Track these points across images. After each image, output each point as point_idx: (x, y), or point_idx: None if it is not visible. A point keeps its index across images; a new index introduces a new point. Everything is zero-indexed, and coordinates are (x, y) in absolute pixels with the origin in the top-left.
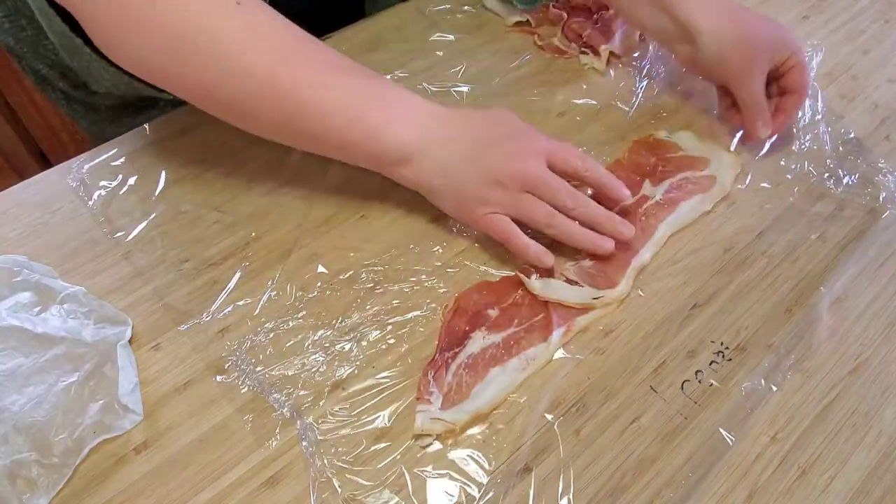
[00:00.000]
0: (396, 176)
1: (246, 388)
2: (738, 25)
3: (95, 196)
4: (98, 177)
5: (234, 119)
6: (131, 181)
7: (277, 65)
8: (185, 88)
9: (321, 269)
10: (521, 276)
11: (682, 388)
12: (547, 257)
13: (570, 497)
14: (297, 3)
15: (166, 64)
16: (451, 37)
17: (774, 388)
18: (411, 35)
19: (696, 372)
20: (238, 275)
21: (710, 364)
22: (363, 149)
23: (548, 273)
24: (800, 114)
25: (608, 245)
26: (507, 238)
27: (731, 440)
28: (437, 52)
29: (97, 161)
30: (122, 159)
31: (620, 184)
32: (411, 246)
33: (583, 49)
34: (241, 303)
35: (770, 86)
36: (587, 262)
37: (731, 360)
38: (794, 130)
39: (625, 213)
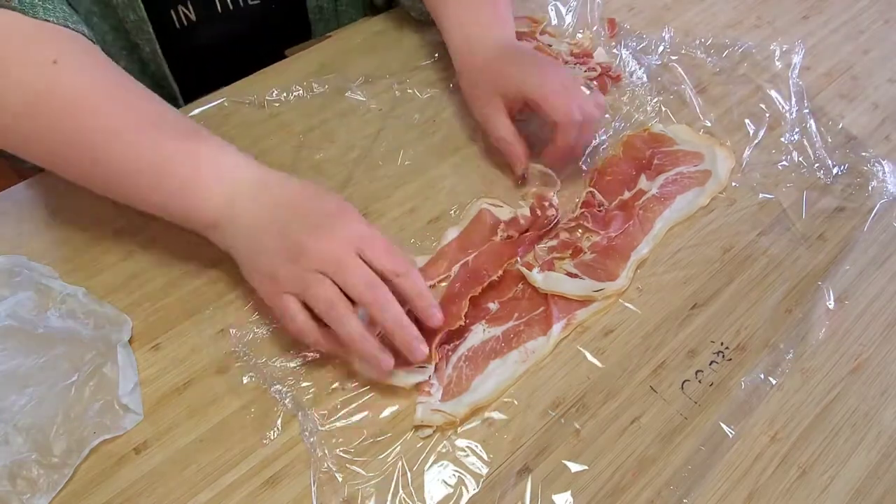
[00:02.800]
0: (213, 240)
1: (248, 380)
2: (476, 62)
3: None
4: None
5: (39, 159)
6: None
7: (81, 117)
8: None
9: None
10: (523, 269)
11: (682, 388)
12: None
13: (570, 497)
14: (238, 23)
15: None
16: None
17: (773, 382)
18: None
19: (696, 372)
20: (239, 275)
21: (710, 364)
22: (174, 211)
23: (549, 266)
24: (786, 106)
25: (386, 362)
26: (294, 327)
27: (731, 435)
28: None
29: None
30: None
31: (434, 305)
32: (412, 240)
33: None
34: (241, 300)
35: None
36: (588, 256)
37: (731, 359)
38: (782, 123)
39: (622, 207)
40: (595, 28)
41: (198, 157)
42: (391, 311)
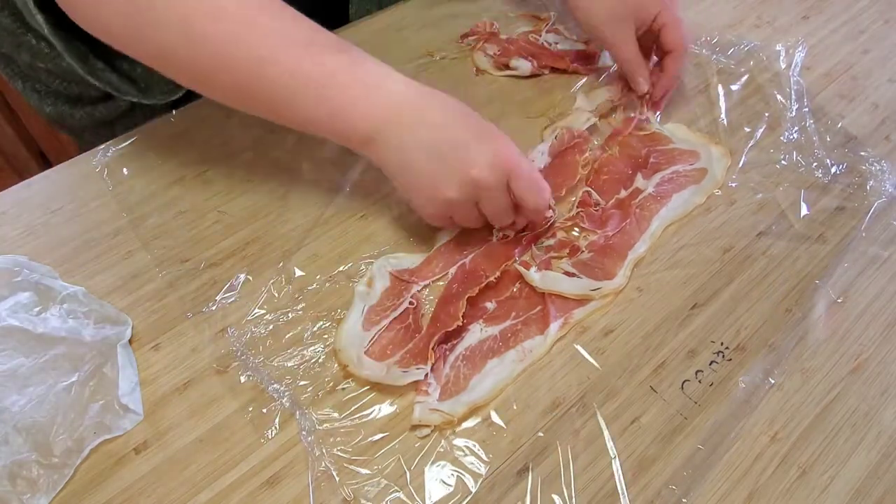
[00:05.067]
0: (363, 153)
1: (245, 379)
2: None
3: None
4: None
5: (191, 83)
6: (131, 182)
7: (237, 34)
8: (142, 50)
9: (320, 265)
10: (521, 268)
11: (682, 388)
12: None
13: (570, 497)
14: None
15: (123, 23)
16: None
17: (773, 382)
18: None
19: (696, 372)
20: (238, 274)
21: (710, 364)
22: (328, 126)
23: (546, 265)
24: (786, 106)
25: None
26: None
27: (731, 435)
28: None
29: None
30: (122, 160)
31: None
32: (411, 239)
33: (497, 66)
34: (240, 301)
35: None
36: (585, 255)
37: (731, 360)
38: (781, 122)
39: (619, 205)
40: None
41: (357, 74)
42: (510, 220)
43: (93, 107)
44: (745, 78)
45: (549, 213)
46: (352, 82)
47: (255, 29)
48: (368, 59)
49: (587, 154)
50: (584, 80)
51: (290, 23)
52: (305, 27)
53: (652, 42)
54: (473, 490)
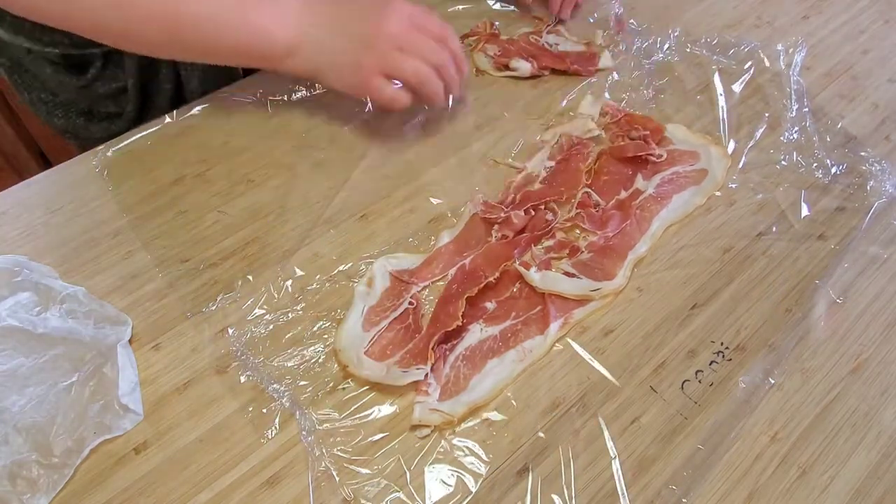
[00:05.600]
0: (288, 68)
1: (245, 379)
2: None
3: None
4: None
5: (123, 43)
6: (131, 182)
7: None
8: (69, 20)
9: (320, 265)
10: (521, 268)
11: (682, 388)
12: (406, 99)
13: (570, 497)
14: None
15: (56, 6)
16: None
17: (773, 382)
18: None
19: (696, 372)
20: (239, 275)
21: (710, 364)
22: (254, 47)
23: (546, 265)
24: (786, 106)
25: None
26: (385, 97)
27: (731, 435)
28: None
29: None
30: (123, 159)
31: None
32: (410, 239)
33: (497, 66)
34: (240, 301)
35: None
36: (585, 256)
37: (731, 359)
38: (781, 122)
39: (619, 206)
40: (612, 23)
41: (263, 1)
42: (444, 55)
43: (109, 122)
44: (745, 78)
45: (550, 217)
46: (261, 7)
47: None
48: None
49: (590, 160)
50: (586, 81)
51: None
52: None
53: None
54: (473, 490)
